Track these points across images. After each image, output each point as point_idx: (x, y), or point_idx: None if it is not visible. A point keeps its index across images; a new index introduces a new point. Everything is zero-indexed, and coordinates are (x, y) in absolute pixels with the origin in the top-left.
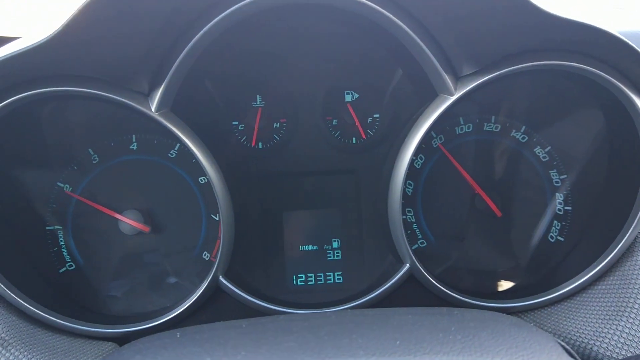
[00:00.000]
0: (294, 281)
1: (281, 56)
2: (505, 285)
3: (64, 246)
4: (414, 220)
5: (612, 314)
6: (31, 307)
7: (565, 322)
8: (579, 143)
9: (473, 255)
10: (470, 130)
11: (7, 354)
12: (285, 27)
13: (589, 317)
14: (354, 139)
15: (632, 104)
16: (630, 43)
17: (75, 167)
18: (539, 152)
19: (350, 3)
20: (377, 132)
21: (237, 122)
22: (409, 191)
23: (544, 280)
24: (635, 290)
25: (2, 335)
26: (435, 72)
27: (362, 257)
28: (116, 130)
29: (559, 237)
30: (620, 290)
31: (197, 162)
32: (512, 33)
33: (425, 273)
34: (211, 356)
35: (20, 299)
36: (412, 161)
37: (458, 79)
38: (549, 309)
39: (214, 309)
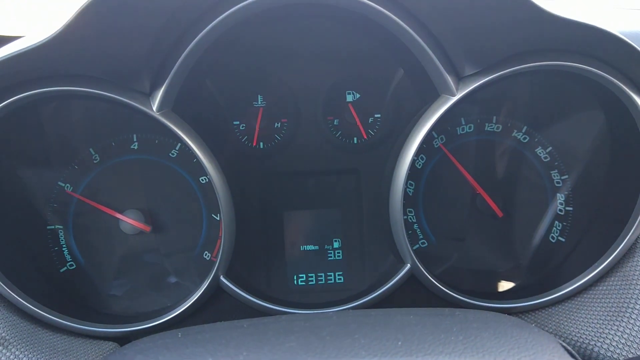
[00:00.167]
0: (295, 281)
1: (282, 56)
2: (506, 285)
3: (64, 245)
4: (415, 220)
5: (613, 315)
6: (32, 307)
7: (566, 323)
8: (580, 143)
9: (474, 255)
10: (471, 130)
11: (7, 354)
12: (286, 27)
13: (590, 318)
14: (355, 139)
15: (634, 104)
16: (632, 43)
17: (76, 167)
18: (540, 153)
19: (352, 3)
20: (379, 132)
21: (238, 122)
22: (410, 191)
23: (545, 281)
24: (636, 291)
25: (3, 334)
26: (437, 72)
27: (363, 257)
28: (117, 129)
29: (560, 238)
30: (621, 291)
31: (198, 162)
32: (513, 33)
33: (426, 273)
34: (213, 356)
35: (21, 299)
36: (413, 161)
37: (460, 79)
38: (549, 310)
39: (214, 308)
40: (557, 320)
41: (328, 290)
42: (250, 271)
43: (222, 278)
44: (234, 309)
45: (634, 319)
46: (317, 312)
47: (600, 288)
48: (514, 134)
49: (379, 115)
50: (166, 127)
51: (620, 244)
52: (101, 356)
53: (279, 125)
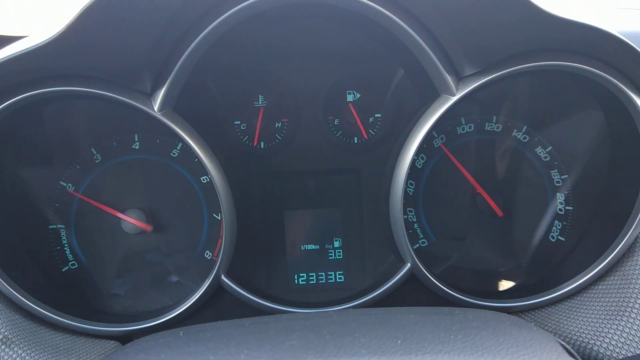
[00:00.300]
0: (296, 280)
1: (283, 56)
2: (506, 284)
3: (66, 245)
4: (415, 220)
5: (612, 314)
6: (34, 306)
7: (565, 322)
8: (580, 143)
9: (474, 254)
10: (471, 130)
11: (10, 352)
12: (287, 27)
13: (590, 317)
14: (355, 138)
15: (633, 104)
16: (631, 43)
17: (77, 166)
18: (540, 152)
19: (353, 3)
20: (379, 132)
21: (239, 122)
22: (410, 191)
23: (544, 280)
24: (636, 290)
25: (6, 333)
26: (437, 72)
27: (363, 256)
28: (119, 129)
29: (559, 237)
30: (620, 290)
31: (199, 162)
32: (513, 33)
33: (426, 272)
34: (214, 355)
35: (23, 298)
36: (413, 161)
37: (460, 79)
38: (549, 309)
39: (216, 307)
40: (557, 320)
41: (328, 290)
42: (251, 270)
43: (223, 277)
44: (235, 308)
45: (633, 318)
46: (317, 311)
47: (600, 287)
48: (514, 133)
49: (379, 115)
50: (167, 127)
51: (620, 243)
52: (103, 355)
53: (279, 125)
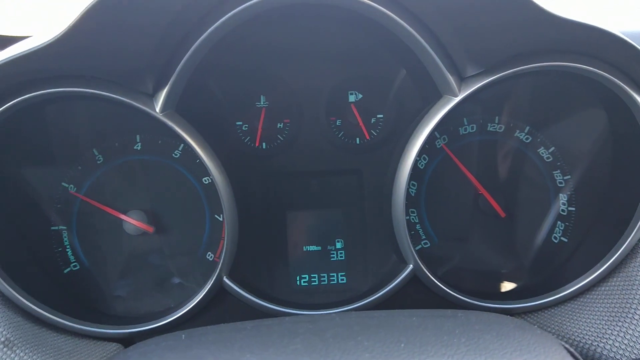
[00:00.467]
0: (298, 282)
1: (285, 56)
2: (508, 286)
3: (68, 246)
4: (417, 221)
5: (615, 316)
6: (36, 308)
7: (568, 324)
8: (583, 144)
9: (476, 255)
10: (474, 130)
11: (12, 355)
12: (288, 28)
13: (593, 319)
14: (357, 139)
15: (636, 104)
16: (634, 44)
17: (79, 167)
18: (542, 153)
19: (355, 4)
20: (381, 133)
21: (240, 123)
22: (412, 192)
23: (547, 281)
24: (639, 292)
25: (7, 335)
26: (439, 73)
27: (365, 257)
28: (120, 130)
29: (562, 238)
30: (624, 291)
31: (201, 163)
32: (515, 34)
33: (428, 274)
34: (217, 358)
35: (25, 300)
36: (415, 162)
37: (462, 80)
38: (552, 310)
39: (217, 309)
40: (560, 321)
41: (331, 291)
42: (253, 272)
43: (225, 279)
44: (237, 309)
45: (637, 320)
46: (320, 313)
47: (603, 289)
48: (516, 134)
49: (381, 116)
50: (169, 128)
51: (623, 244)
52: (105, 357)
53: (281, 125)
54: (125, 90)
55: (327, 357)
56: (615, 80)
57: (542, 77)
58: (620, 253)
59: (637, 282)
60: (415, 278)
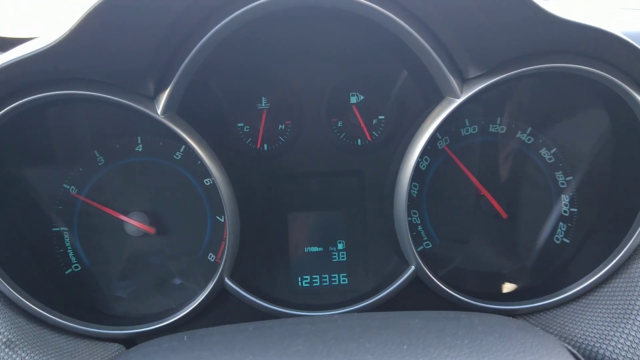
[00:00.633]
0: (299, 283)
1: (286, 58)
2: (510, 287)
3: (69, 247)
4: (419, 222)
5: (618, 317)
6: (37, 309)
7: (570, 325)
8: (585, 145)
9: (478, 257)
10: (475, 132)
11: (13, 355)
12: (289, 29)
13: (595, 320)
14: (359, 140)
15: (637, 104)
16: (635, 44)
17: (80, 169)
18: (544, 154)
19: (356, 5)
20: (383, 134)
21: (242, 124)
22: (414, 193)
23: (549, 283)
24: None
25: (9, 336)
26: (441, 74)
27: (367, 258)
28: (122, 132)
29: (564, 239)
30: (626, 292)
31: (202, 164)
32: (517, 35)
33: (430, 275)
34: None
35: (27, 300)
36: (417, 163)
37: (464, 81)
38: (554, 312)
39: (219, 310)
40: (562, 322)
41: (332, 292)
42: (255, 273)
43: (226, 280)
44: (239, 310)
45: (639, 321)
46: (321, 314)
47: (606, 290)
48: (518, 135)
49: (382, 117)
50: (170, 129)
51: (626, 245)
52: (106, 358)
53: (282, 127)
54: (126, 92)
55: (329, 359)
56: (617, 80)
57: (544, 78)
58: (623, 254)
59: (639, 283)
60: (417, 279)
